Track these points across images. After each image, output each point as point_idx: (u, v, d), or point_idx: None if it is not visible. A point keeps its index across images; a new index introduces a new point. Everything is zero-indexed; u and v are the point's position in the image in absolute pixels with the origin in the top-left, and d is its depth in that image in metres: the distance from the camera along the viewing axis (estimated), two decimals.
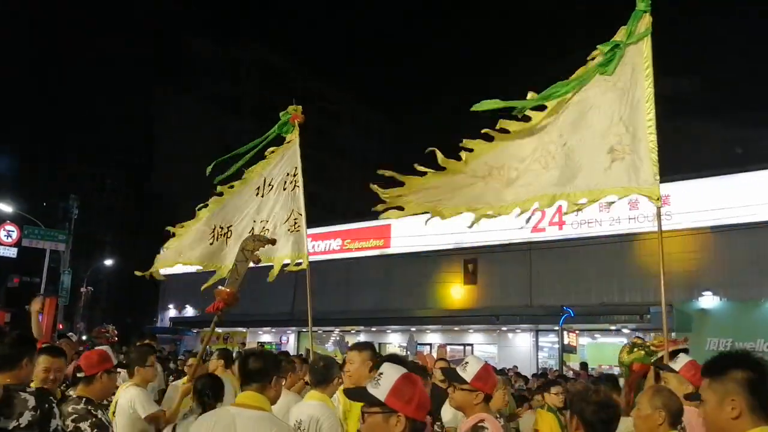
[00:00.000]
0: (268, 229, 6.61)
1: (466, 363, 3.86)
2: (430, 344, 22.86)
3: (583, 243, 19.21)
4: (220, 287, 5.22)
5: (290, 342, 26.95)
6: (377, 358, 4.39)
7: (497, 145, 5.04)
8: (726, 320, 16.78)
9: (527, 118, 4.97)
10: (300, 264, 6.66)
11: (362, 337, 24.85)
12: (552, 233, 20.08)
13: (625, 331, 19.00)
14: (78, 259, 28.35)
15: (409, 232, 23.44)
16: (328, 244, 26.20)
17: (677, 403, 3.31)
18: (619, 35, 4.66)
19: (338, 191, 50.86)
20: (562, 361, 17.71)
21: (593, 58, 4.81)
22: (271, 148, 6.86)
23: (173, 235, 6.94)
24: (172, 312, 32.28)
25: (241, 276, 5.30)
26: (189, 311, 31.33)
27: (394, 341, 24.07)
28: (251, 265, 5.38)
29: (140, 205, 47.48)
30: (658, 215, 4.53)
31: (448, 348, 21.26)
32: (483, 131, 5.05)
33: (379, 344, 23.92)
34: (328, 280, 24.92)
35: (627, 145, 4.51)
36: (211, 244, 6.73)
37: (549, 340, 20.89)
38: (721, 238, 16.96)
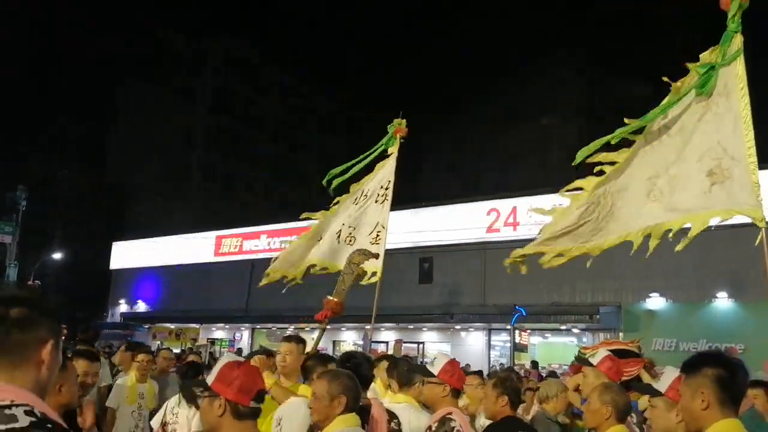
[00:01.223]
0: (354, 237, 6.86)
1: (434, 358, 4.04)
2: (386, 342, 22.99)
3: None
4: (329, 297, 5.62)
5: (244, 339, 26.75)
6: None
7: (605, 179, 5.16)
8: (671, 321, 17.27)
9: (623, 143, 5.03)
10: (373, 277, 6.75)
11: (316, 336, 24.76)
12: (507, 234, 20.36)
13: (575, 330, 19.41)
14: (27, 252, 27.65)
15: None
16: (284, 241, 26.08)
17: (624, 399, 3.45)
18: (711, 56, 4.61)
19: (305, 188, 50.68)
20: (514, 360, 18.01)
21: (680, 78, 4.83)
22: (381, 163, 6.93)
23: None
24: (123, 307, 31.74)
25: (348, 287, 5.72)
26: (140, 307, 30.86)
27: (349, 339, 24.10)
28: (355, 277, 5.81)
29: (93, 197, 46.51)
30: (765, 237, 4.48)
31: (403, 346, 21.42)
32: (596, 170, 5.21)
33: (334, 342, 23.94)
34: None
35: (726, 169, 4.46)
36: (319, 241, 7.22)
37: (501, 339, 21.19)
38: (669, 241, 17.40)
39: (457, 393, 3.92)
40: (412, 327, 22.49)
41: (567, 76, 33.22)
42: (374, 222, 6.71)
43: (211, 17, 70.80)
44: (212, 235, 29.00)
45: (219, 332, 27.80)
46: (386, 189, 6.67)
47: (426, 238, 22.07)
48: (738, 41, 4.49)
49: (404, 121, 6.87)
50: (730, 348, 15.20)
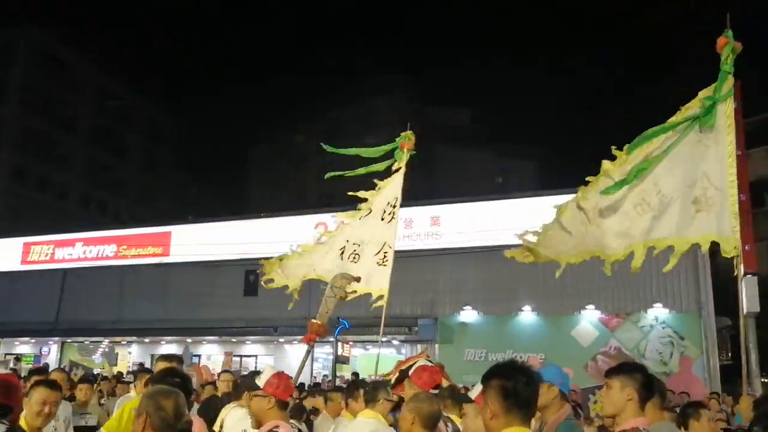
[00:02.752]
0: (358, 255, 6.56)
1: (262, 371, 4.06)
2: (209, 355, 22.49)
3: None
4: (312, 320, 5.43)
5: (51, 354, 24.88)
6: None
7: (593, 189, 5.22)
8: (482, 333, 18.48)
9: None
10: (380, 300, 6.33)
11: (134, 349, 23.74)
12: None
13: (395, 342, 20.15)
14: None
15: (190, 241, 22.93)
16: (101, 250, 24.72)
17: (431, 407, 3.64)
18: (707, 92, 4.97)
19: (117, 194, 48.00)
20: (335, 372, 18.37)
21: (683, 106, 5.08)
22: (388, 179, 6.59)
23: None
24: None
25: (330, 310, 5.59)
26: None
27: (168, 353, 23.24)
28: (338, 300, 5.61)
29: None
30: (736, 264, 4.78)
31: (223, 359, 21.07)
32: (587, 178, 5.27)
33: (152, 356, 22.98)
34: (100, 289, 23.55)
35: (710, 197, 4.81)
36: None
37: (324, 351, 21.48)
38: (482, 257, 18.63)
39: (284, 405, 3.94)
40: (235, 340, 22.19)
41: (393, 97, 34.55)
42: (381, 241, 6.50)
43: (20, 8, 65.50)
44: (19, 241, 26.78)
45: (23, 347, 25.65)
46: (393, 207, 6.49)
47: (252, 250, 21.92)
48: (730, 82, 4.97)
49: (412, 133, 6.71)
50: (531, 357, 16.58)
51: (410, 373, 4.79)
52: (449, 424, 4.68)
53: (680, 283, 16.75)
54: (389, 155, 7.07)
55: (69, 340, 24.42)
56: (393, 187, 6.63)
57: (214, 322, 21.15)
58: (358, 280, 6.29)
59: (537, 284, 18.17)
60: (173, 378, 3.78)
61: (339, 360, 19.12)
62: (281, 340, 21.51)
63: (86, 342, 24.06)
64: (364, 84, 35.65)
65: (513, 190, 21.15)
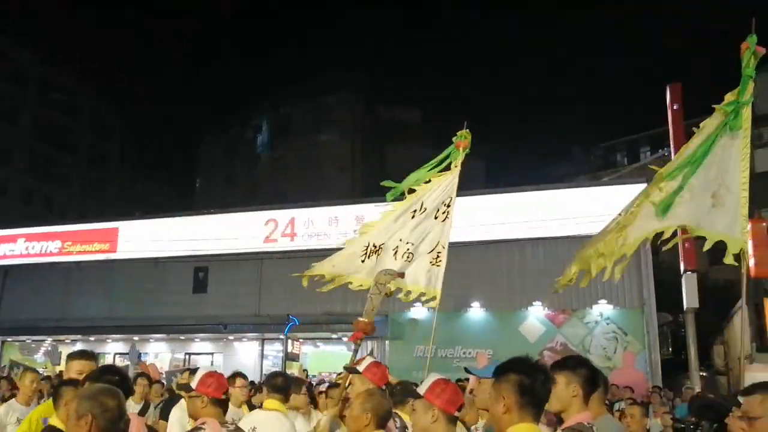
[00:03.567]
0: (411, 253, 6.32)
1: (196, 372, 4.08)
2: (157, 353, 22.14)
3: (313, 255, 20.01)
4: (359, 319, 5.41)
5: None
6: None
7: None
8: (431, 328, 18.62)
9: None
10: (432, 301, 6.18)
11: (79, 347, 23.17)
12: (284, 244, 20.68)
13: (345, 339, 20.17)
14: None
15: (138, 237, 22.53)
16: (45, 246, 24.06)
17: (385, 406, 3.71)
18: (730, 97, 5.10)
19: (62, 188, 46.68)
20: (285, 369, 18.30)
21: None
22: (438, 174, 6.41)
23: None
24: None
25: (375, 307, 5.53)
26: None
27: (114, 351, 22.78)
28: (382, 297, 5.51)
29: None
30: (741, 260, 4.94)
31: (172, 356, 20.82)
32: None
33: (98, 354, 22.51)
34: (43, 286, 22.95)
35: (722, 196, 4.94)
36: (362, 261, 6.55)
37: (274, 349, 21.38)
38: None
39: (219, 402, 3.97)
40: (183, 338, 21.90)
41: (345, 94, 34.53)
42: (434, 241, 6.34)
43: None
44: None
45: None
46: (447, 206, 6.37)
47: (202, 246, 21.68)
48: (750, 88, 5.10)
49: (468, 132, 6.57)
50: (480, 353, 16.81)
51: (362, 369, 4.82)
52: (397, 420, 4.74)
53: (624, 280, 17.20)
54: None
55: (10, 339, 23.72)
56: (447, 185, 6.55)
57: (162, 319, 20.82)
58: (402, 275, 6.24)
59: (486, 281, 18.44)
60: (112, 376, 3.73)
61: (289, 357, 19.08)
62: (231, 337, 21.32)
63: (28, 341, 23.41)
64: (316, 80, 35.52)
65: (462, 188, 21.37)
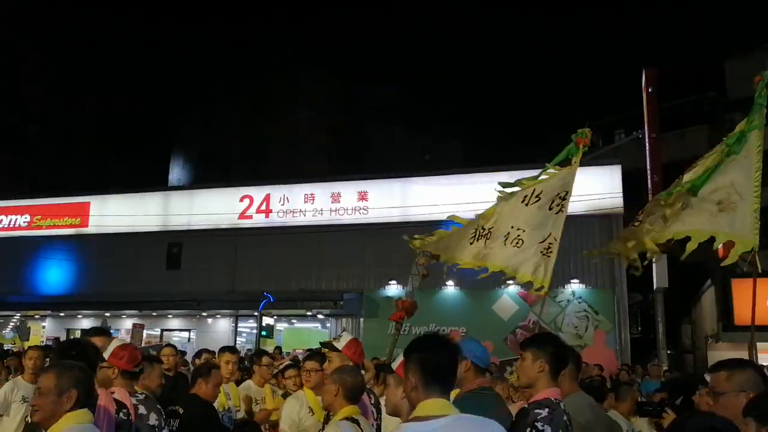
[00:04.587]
0: (522, 240, 6.31)
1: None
2: (129, 330, 21.98)
3: (287, 231, 20.03)
4: (402, 297, 5.81)
5: None
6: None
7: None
8: None
9: None
10: (540, 290, 6.04)
11: (48, 323, 22.99)
12: (258, 221, 20.61)
13: (320, 316, 20.24)
14: None
15: (110, 212, 22.29)
16: (14, 220, 23.72)
17: (355, 379, 3.80)
18: (741, 126, 5.47)
19: (33, 162, 45.82)
20: (259, 346, 18.31)
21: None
22: (559, 168, 6.41)
23: None
24: None
25: (416, 288, 6.01)
26: None
27: (84, 327, 22.59)
28: (421, 278, 5.95)
29: None
30: (751, 261, 5.18)
31: (145, 333, 20.70)
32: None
33: (68, 330, 22.34)
34: (11, 260, 22.65)
35: (733, 202, 5.29)
36: (471, 243, 6.56)
37: (248, 325, 21.39)
38: (406, 231, 18.84)
39: (129, 375, 4.22)
40: (156, 314, 21.77)
41: (321, 72, 34.26)
42: (546, 231, 6.30)
43: None
44: None
45: None
46: (563, 199, 6.32)
47: (175, 222, 21.52)
48: (763, 113, 5.40)
49: (589, 131, 6.52)
50: (453, 331, 16.99)
51: (341, 346, 4.87)
52: (372, 396, 4.81)
53: (596, 261, 17.44)
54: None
55: None
56: (564, 179, 6.48)
57: (134, 295, 20.67)
58: (437, 258, 6.36)
59: None
60: (74, 350, 3.86)
61: (263, 334, 19.09)
62: (204, 314, 21.25)
63: None
64: (292, 57, 35.15)
65: (440, 167, 21.42)
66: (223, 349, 6.45)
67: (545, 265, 6.19)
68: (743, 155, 5.46)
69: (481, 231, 6.61)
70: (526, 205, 6.49)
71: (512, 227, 6.48)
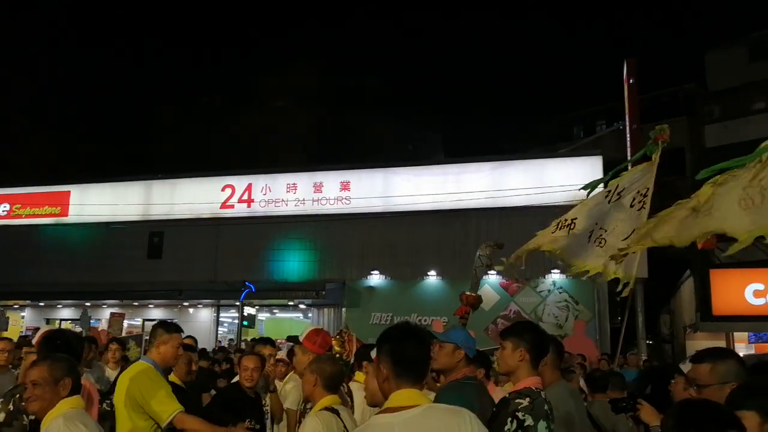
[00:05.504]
0: (605, 239, 6.36)
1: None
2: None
3: (269, 221, 19.98)
4: (467, 292, 5.80)
5: None
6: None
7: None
8: (389, 297, 18.83)
9: None
10: (626, 286, 6.13)
11: (27, 313, 22.81)
12: (241, 210, 20.54)
13: (302, 306, 20.26)
14: None
15: (91, 201, 22.09)
16: None
17: (333, 368, 3.78)
18: None
19: (12, 149, 45.18)
20: (241, 336, 18.34)
21: None
22: (640, 166, 6.38)
23: None
24: None
25: (480, 279, 5.92)
26: None
27: (65, 317, 22.44)
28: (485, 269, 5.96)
29: None
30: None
31: (126, 323, 20.60)
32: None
33: (47, 320, 22.18)
34: None
35: (752, 199, 5.05)
36: (552, 232, 6.61)
37: (230, 315, 21.36)
38: (390, 223, 18.90)
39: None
40: (137, 304, 21.67)
41: (304, 61, 34.13)
42: (630, 229, 6.29)
43: None
44: None
45: None
46: (644, 196, 6.30)
47: (157, 211, 21.38)
48: None
49: (667, 128, 6.48)
50: (435, 321, 17.08)
51: (302, 338, 4.87)
52: (344, 386, 4.82)
53: None
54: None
55: None
56: (645, 175, 6.44)
57: (115, 285, 20.55)
58: (501, 246, 6.50)
59: (442, 250, 18.65)
60: (61, 342, 3.96)
61: (245, 324, 19.09)
62: (186, 303, 21.18)
63: None
64: (275, 46, 35.01)
65: (422, 158, 21.47)
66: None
67: (630, 261, 6.27)
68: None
69: (564, 221, 6.69)
70: (609, 202, 6.55)
71: (596, 224, 6.58)
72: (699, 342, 15.97)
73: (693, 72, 26.21)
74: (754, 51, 24.92)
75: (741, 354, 4.97)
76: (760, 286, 15.50)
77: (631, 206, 6.36)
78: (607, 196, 6.55)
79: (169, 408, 3.99)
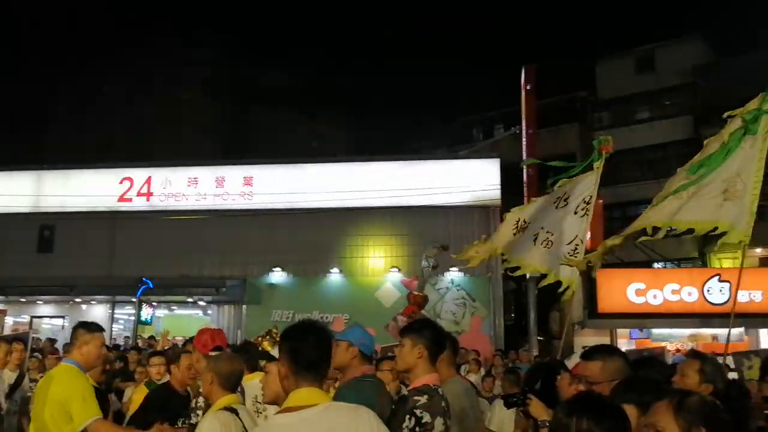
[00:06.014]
0: (551, 242, 6.61)
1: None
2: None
3: (169, 215, 19.49)
4: (415, 292, 6.03)
5: None
6: None
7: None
8: (290, 294, 18.80)
9: None
10: (567, 290, 6.46)
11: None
12: (139, 204, 19.95)
13: (202, 303, 19.90)
14: None
15: None
16: None
17: (230, 367, 3.69)
18: (754, 104, 5.44)
19: None
20: (137, 333, 17.84)
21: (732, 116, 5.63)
22: (584, 175, 6.69)
23: None
24: None
25: (426, 280, 5.98)
26: None
27: None
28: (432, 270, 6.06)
29: None
30: (742, 254, 5.54)
31: (11, 320, 19.61)
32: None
33: None
34: None
35: (738, 191, 5.34)
36: (514, 235, 6.98)
37: (126, 312, 20.70)
38: (293, 219, 18.84)
39: None
40: (24, 300, 20.60)
41: (208, 53, 33.35)
42: (573, 234, 6.60)
43: None
44: None
45: None
46: (587, 203, 6.57)
47: (49, 203, 20.42)
48: None
49: (611, 138, 6.78)
50: (336, 318, 17.23)
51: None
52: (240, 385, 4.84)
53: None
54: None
55: None
56: (588, 183, 6.75)
57: (1, 280, 19.48)
58: (446, 248, 6.87)
59: (344, 247, 18.81)
60: None
61: (141, 321, 18.56)
62: (78, 299, 20.33)
63: None
64: (178, 36, 33.97)
65: (327, 155, 21.50)
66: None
67: (573, 267, 6.62)
68: (748, 142, 5.60)
69: (522, 224, 7.10)
70: (557, 207, 6.94)
71: (542, 228, 6.96)
72: (587, 338, 16.85)
73: (585, 80, 27.48)
74: (640, 63, 26.45)
75: (623, 349, 5.38)
76: (642, 285, 16.57)
77: (575, 213, 6.77)
78: (555, 202, 6.96)
79: (87, 413, 3.93)
